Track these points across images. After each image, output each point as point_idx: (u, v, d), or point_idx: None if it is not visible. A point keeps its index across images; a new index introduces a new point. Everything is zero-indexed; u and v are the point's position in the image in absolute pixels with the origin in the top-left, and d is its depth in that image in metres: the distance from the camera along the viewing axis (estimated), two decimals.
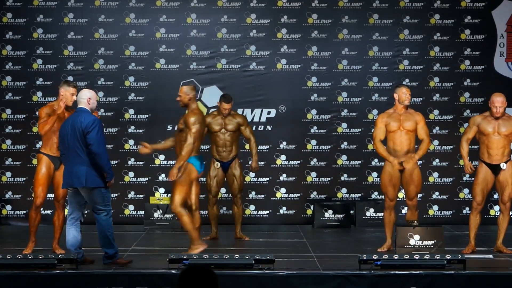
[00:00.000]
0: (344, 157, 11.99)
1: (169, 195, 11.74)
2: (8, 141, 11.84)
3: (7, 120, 11.85)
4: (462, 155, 9.28)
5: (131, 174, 11.91)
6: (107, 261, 8.12)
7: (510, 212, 9.33)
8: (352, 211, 11.70)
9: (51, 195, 9.35)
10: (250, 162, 10.35)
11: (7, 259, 7.78)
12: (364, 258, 7.80)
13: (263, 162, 11.78)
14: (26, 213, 11.19)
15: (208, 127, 10.19)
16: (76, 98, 8.60)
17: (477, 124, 9.17)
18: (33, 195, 9.09)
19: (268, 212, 11.99)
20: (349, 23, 12.05)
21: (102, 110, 11.81)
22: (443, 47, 12.03)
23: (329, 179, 11.98)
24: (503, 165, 9.10)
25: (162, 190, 11.89)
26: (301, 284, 7.54)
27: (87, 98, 8.17)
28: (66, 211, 11.14)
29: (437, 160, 11.79)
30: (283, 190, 11.98)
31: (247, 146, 11.86)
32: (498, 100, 9.05)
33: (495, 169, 9.13)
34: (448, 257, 7.87)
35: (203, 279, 4.21)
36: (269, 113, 12.00)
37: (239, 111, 11.25)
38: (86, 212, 8.58)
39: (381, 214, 10.55)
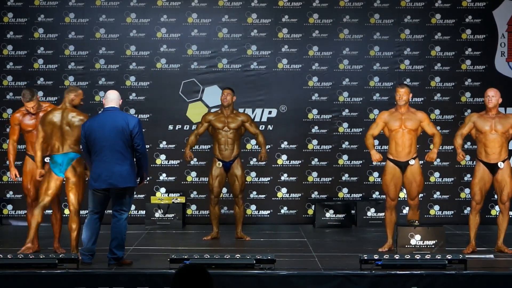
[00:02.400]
0: (345, 157, 11.99)
1: (170, 194, 11.79)
2: None
3: (8, 119, 11.85)
4: (455, 146, 9.28)
5: None
6: (113, 262, 8.11)
7: (510, 212, 9.33)
8: (353, 211, 11.70)
9: None
10: (259, 153, 10.30)
11: (8, 258, 7.78)
12: (365, 258, 7.80)
13: (264, 162, 11.78)
14: (26, 213, 11.18)
15: (211, 125, 10.21)
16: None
17: (473, 121, 9.18)
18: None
19: (269, 212, 11.98)
20: (350, 23, 12.05)
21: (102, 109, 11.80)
22: (444, 47, 12.03)
23: (330, 179, 11.98)
24: (501, 164, 9.10)
25: (163, 190, 11.88)
26: (302, 283, 7.53)
27: (118, 98, 8.27)
28: (66, 211, 11.15)
29: (438, 160, 11.77)
30: (284, 190, 11.97)
31: (248, 146, 11.88)
32: (490, 91, 9.13)
33: (493, 168, 9.13)
34: (449, 257, 7.86)
35: (198, 279, 4.20)
36: (270, 113, 12.00)
37: (240, 110, 11.23)
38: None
39: (382, 214, 10.56)
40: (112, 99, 8.23)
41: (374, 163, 11.18)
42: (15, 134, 9.14)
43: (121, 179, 7.98)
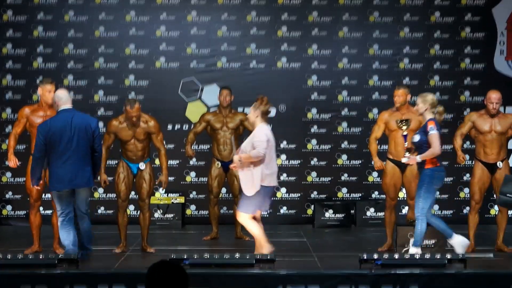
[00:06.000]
0: (344, 156, 11.98)
1: (169, 195, 11.76)
2: None
3: (7, 119, 11.84)
4: (454, 147, 9.30)
5: None
6: (87, 257, 8.35)
7: (509, 210, 9.33)
8: (352, 211, 11.69)
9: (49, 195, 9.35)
10: None
11: (7, 259, 7.78)
12: (365, 257, 7.80)
13: None
14: (26, 213, 11.16)
15: (209, 125, 10.21)
16: (44, 95, 8.93)
17: (472, 121, 9.19)
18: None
19: (268, 212, 11.95)
20: (349, 21, 12.03)
21: (102, 109, 11.82)
22: (443, 45, 12.02)
23: (330, 178, 11.97)
24: (500, 164, 9.11)
25: (162, 190, 11.86)
26: (302, 283, 7.52)
27: (70, 97, 8.35)
28: None
29: None
30: (283, 190, 11.96)
31: None
32: (494, 97, 9.08)
33: (492, 167, 9.13)
34: (449, 257, 7.88)
35: (171, 275, 4.09)
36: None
37: (239, 109, 11.21)
38: None
39: (382, 213, 10.56)
40: (67, 99, 8.27)
41: (373, 162, 11.20)
42: (20, 127, 9.07)
43: (85, 180, 8.17)
